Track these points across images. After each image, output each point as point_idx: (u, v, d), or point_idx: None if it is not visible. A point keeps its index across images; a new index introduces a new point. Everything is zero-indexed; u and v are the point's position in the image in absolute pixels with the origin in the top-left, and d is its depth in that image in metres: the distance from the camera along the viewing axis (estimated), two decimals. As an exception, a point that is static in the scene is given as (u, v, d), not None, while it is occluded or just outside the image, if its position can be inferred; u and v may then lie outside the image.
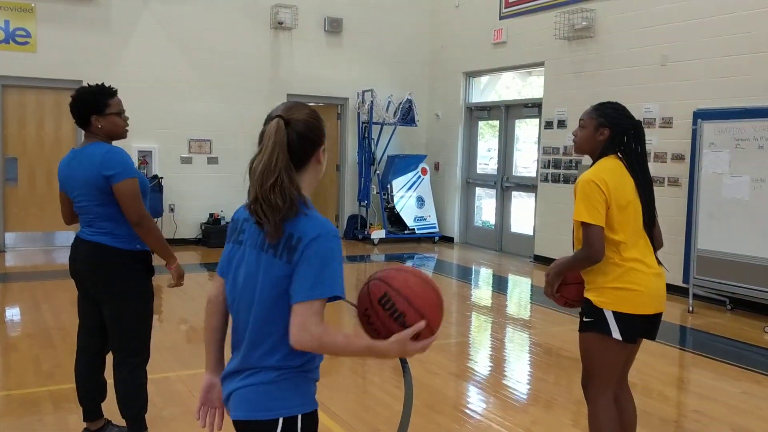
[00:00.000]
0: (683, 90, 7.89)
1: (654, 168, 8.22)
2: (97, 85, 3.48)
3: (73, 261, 3.48)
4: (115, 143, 3.47)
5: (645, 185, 3.03)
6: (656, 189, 8.70)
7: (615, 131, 2.99)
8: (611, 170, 2.98)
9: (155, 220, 9.90)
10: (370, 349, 1.92)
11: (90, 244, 3.38)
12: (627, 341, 2.94)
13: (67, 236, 10.29)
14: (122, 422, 3.75)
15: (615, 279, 2.93)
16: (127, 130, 3.52)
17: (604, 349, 2.96)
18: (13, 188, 9.94)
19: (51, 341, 5.59)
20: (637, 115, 8.21)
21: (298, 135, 1.91)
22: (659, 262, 3.06)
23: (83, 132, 3.51)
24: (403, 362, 2.22)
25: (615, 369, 3.03)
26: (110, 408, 3.66)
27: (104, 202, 3.31)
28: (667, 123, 8.09)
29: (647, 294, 2.94)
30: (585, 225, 2.89)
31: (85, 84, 3.55)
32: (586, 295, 3.02)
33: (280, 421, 1.90)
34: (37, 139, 10.06)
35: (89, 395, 3.62)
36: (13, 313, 6.80)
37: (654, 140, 8.24)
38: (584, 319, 3.02)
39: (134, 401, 3.45)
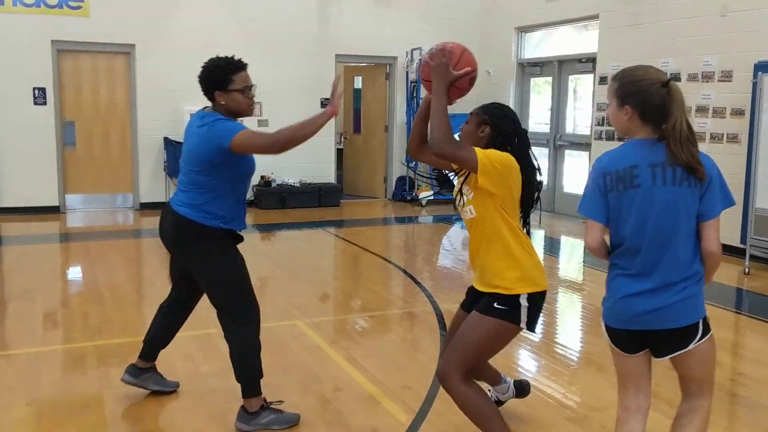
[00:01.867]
0: (743, 41, 7.47)
1: (712, 124, 7.87)
2: (225, 58, 3.38)
3: (161, 230, 3.52)
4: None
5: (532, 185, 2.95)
6: (714, 145, 8.37)
7: (494, 132, 2.93)
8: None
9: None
10: None
11: (178, 216, 3.35)
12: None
13: (123, 198, 10.59)
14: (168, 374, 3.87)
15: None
16: (252, 108, 3.38)
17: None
18: (72, 152, 10.24)
19: (101, 298, 5.77)
20: (696, 68, 7.96)
21: None
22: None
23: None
24: None
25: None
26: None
27: (202, 170, 3.29)
28: (726, 77, 7.70)
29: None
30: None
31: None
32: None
33: (701, 320, 2.41)
34: (93, 103, 10.29)
35: (151, 335, 3.74)
36: (68, 272, 7.05)
37: (712, 95, 7.87)
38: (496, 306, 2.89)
39: (243, 365, 3.44)
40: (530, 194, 2.95)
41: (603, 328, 2.51)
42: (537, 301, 2.90)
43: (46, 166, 9.94)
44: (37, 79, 9.74)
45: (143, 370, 3.76)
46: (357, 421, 3.55)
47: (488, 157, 2.77)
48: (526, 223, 3.01)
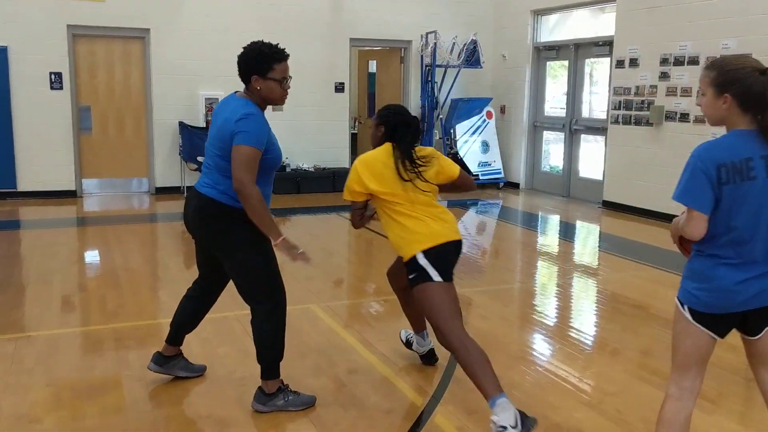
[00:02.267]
0: (763, 23, 7.37)
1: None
2: (270, 44, 3.34)
3: (185, 214, 3.50)
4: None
5: (409, 163, 3.46)
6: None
7: (384, 127, 3.61)
8: (373, 154, 3.56)
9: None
10: None
11: (202, 197, 3.35)
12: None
13: (138, 183, 10.65)
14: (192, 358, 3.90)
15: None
16: (285, 99, 3.38)
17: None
18: (88, 136, 10.29)
19: (118, 282, 5.82)
20: (714, 51, 7.85)
21: None
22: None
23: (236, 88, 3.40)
24: None
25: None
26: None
27: (224, 155, 3.24)
28: (746, 59, 7.60)
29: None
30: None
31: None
32: None
33: None
34: (108, 88, 10.33)
35: (179, 320, 3.76)
36: (85, 256, 7.11)
37: (732, 78, 7.77)
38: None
39: (266, 349, 3.45)
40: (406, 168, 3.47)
41: (688, 314, 2.50)
42: (436, 254, 3.37)
43: (63, 150, 10.01)
44: (53, 64, 9.79)
45: (169, 357, 3.78)
46: (372, 403, 3.57)
47: (349, 188, 3.54)
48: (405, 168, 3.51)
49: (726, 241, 2.42)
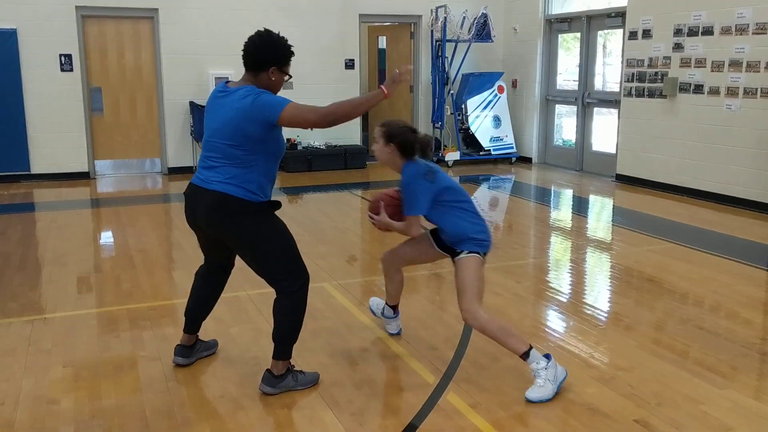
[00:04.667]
0: (781, -9, 7.23)
1: (746, 78, 7.67)
2: (285, 38, 3.37)
3: (192, 213, 3.39)
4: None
5: None
6: (748, 100, 8.12)
7: None
8: None
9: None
10: None
11: (216, 194, 3.24)
12: None
13: (151, 163, 10.68)
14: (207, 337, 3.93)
15: None
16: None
17: None
18: (99, 118, 10.32)
19: (132, 263, 5.87)
20: (729, 20, 7.72)
21: None
22: None
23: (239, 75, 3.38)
24: None
25: None
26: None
27: (239, 144, 3.21)
28: (761, 29, 7.47)
29: None
30: None
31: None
32: None
33: None
34: (119, 69, 10.33)
35: (193, 311, 3.77)
36: (99, 237, 7.16)
37: (747, 48, 7.65)
38: None
39: (286, 327, 3.44)
40: None
41: (484, 258, 3.64)
42: None
43: (75, 132, 10.05)
44: (62, 46, 9.79)
45: (191, 347, 3.80)
46: (384, 381, 3.59)
47: None
48: None
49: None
